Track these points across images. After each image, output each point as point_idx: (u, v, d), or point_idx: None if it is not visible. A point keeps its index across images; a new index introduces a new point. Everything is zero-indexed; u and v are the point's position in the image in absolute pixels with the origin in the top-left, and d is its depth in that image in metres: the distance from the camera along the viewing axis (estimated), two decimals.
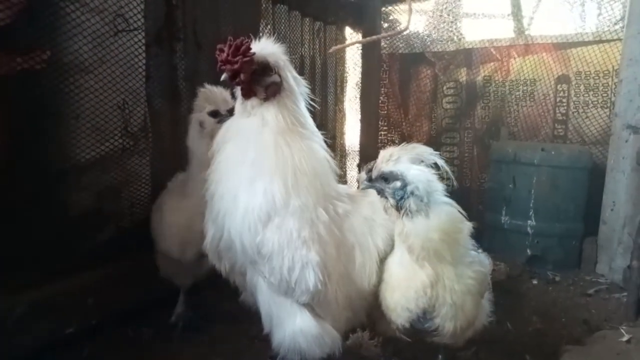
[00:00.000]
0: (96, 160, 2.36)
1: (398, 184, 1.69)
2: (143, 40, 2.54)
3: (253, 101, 1.69)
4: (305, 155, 1.67)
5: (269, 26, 3.87)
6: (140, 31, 2.50)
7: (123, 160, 2.52)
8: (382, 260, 1.83)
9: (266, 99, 1.68)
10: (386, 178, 1.71)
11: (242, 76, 1.61)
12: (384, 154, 1.75)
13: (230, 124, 1.75)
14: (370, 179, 1.74)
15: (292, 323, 1.67)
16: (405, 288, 1.72)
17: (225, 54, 1.59)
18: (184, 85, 2.97)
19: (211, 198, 1.70)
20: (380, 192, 1.73)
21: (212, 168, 1.72)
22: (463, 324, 1.78)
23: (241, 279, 1.80)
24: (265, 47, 1.70)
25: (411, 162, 1.73)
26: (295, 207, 1.61)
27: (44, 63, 2.08)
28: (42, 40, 2.09)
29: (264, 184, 1.60)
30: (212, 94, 2.45)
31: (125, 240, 2.65)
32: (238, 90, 1.71)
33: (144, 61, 2.56)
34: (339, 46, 2.29)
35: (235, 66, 1.58)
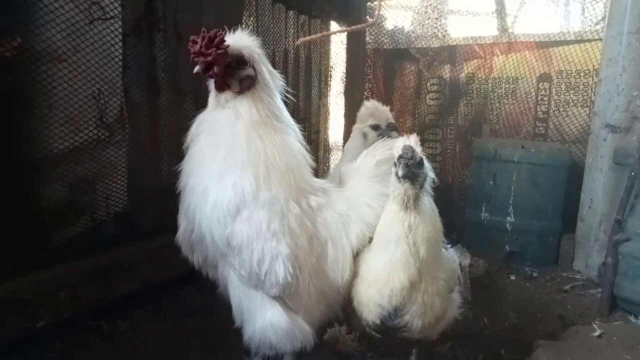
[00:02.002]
0: (70, 151, 2.30)
1: (426, 171, 1.67)
2: (120, 30, 2.49)
3: (227, 94, 1.67)
4: (278, 149, 1.66)
5: (252, 18, 3.83)
6: (117, 20, 2.45)
7: (98, 152, 2.47)
8: (356, 256, 1.83)
9: (240, 92, 1.66)
10: (422, 164, 1.64)
11: (215, 69, 1.58)
12: (414, 139, 1.67)
13: (203, 117, 1.73)
14: (408, 164, 1.60)
15: (262, 316, 1.67)
16: (383, 285, 1.71)
17: (198, 46, 1.57)
18: (163, 77, 2.92)
19: (183, 190, 1.68)
20: (415, 179, 1.63)
21: (185, 160, 1.71)
22: (431, 320, 1.81)
23: (214, 271, 1.80)
24: (240, 39, 1.68)
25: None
26: (265, 200, 1.60)
27: (14, 50, 2.02)
28: (12, 27, 2.03)
29: (234, 177, 1.58)
30: (377, 110, 2.82)
31: (100, 233, 2.61)
32: (211, 83, 1.69)
33: (120, 51, 2.51)
34: (306, 38, 2.27)
35: (209, 58, 1.56)
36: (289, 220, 1.64)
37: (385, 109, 2.86)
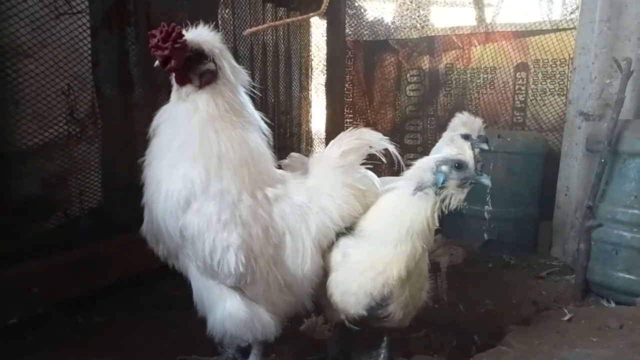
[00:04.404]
0: (39, 147, 2.30)
1: None
2: (88, 24, 2.48)
3: (188, 88, 1.68)
4: (233, 143, 1.67)
5: (227, 10, 3.81)
6: (84, 14, 2.44)
7: (69, 147, 2.48)
8: (318, 248, 1.83)
9: (200, 86, 1.67)
10: None
11: (172, 62, 1.59)
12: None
13: (165, 109, 1.75)
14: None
15: (222, 307, 1.69)
16: (379, 273, 1.73)
17: (155, 40, 1.58)
18: (135, 71, 2.92)
19: (144, 182, 1.70)
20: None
21: (147, 152, 1.72)
22: (412, 311, 1.90)
23: (177, 262, 1.82)
24: (200, 34, 1.69)
25: None
26: (215, 192, 1.61)
27: None
28: None
29: (184, 169, 1.60)
30: (469, 120, 3.00)
31: (74, 228, 2.61)
32: (173, 77, 1.70)
33: (89, 45, 2.50)
34: (254, 28, 2.26)
35: (165, 52, 1.57)
36: (240, 211, 1.64)
37: (479, 121, 3.02)
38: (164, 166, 1.62)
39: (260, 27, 2.56)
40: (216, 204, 1.61)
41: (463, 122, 3.01)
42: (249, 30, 2.14)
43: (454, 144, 1.82)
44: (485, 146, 3.00)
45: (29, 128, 2.26)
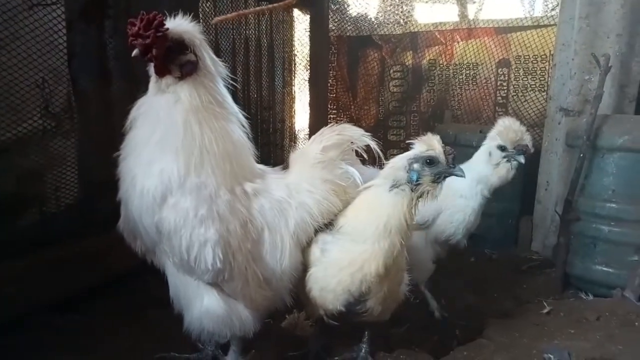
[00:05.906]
0: (13, 141, 2.24)
1: None
2: (63, 16, 2.41)
3: (168, 79, 1.64)
4: (216, 135, 1.64)
5: (208, 3, 3.75)
6: (59, 6, 2.37)
7: (45, 142, 2.41)
8: (297, 243, 1.82)
9: (181, 77, 1.63)
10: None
11: (154, 51, 1.55)
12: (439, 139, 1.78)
13: (142, 101, 1.70)
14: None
15: (199, 303, 1.67)
16: (357, 269, 1.73)
17: (136, 28, 1.53)
18: (114, 64, 2.85)
19: (119, 177, 1.66)
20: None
21: (122, 145, 1.68)
22: (391, 306, 1.92)
23: (156, 258, 1.78)
24: (180, 24, 1.66)
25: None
26: (192, 186, 1.58)
27: None
28: None
29: (162, 164, 1.56)
30: (505, 129, 2.66)
31: (51, 225, 2.54)
32: (151, 68, 1.65)
33: (64, 37, 2.43)
34: (222, 17, 2.22)
35: (147, 41, 1.52)
36: (218, 206, 1.61)
37: (517, 130, 2.67)
38: (140, 161, 1.58)
39: (228, 15, 2.49)
40: (193, 199, 1.57)
41: (498, 132, 2.69)
42: (217, 19, 2.10)
43: (428, 141, 1.79)
44: (522, 159, 2.66)
45: (1, 122, 2.19)
